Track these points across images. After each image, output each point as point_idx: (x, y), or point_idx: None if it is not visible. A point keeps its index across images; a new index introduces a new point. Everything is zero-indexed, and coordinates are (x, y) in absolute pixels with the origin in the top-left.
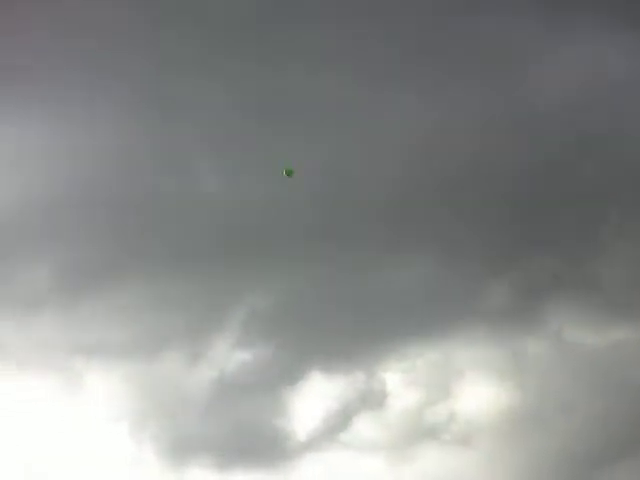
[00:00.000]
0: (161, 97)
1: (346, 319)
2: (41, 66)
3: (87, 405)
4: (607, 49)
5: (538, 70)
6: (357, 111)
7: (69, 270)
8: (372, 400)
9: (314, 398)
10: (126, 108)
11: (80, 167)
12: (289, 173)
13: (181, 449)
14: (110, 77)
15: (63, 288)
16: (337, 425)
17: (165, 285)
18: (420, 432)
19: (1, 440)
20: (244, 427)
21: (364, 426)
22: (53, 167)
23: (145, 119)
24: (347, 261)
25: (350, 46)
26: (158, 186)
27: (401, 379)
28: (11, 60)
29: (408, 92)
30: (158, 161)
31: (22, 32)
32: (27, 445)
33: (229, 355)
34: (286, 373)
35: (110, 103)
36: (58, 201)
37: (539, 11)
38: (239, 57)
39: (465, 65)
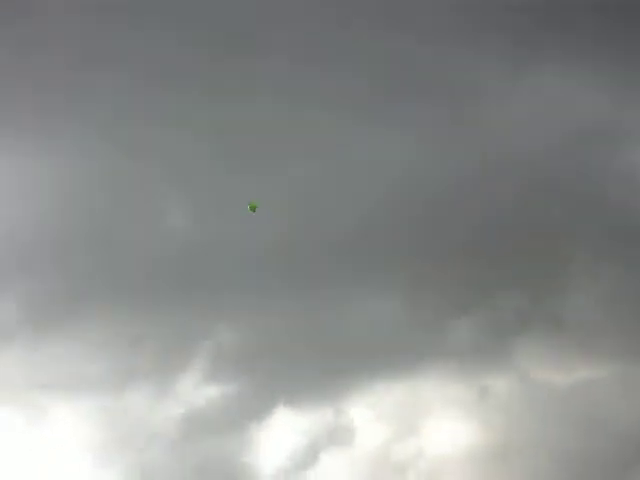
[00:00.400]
0: (126, 135)
1: (313, 354)
2: None
3: (52, 439)
4: (575, 91)
5: (507, 111)
6: (325, 147)
7: (36, 303)
8: (339, 436)
9: (281, 434)
10: (92, 142)
11: (44, 202)
12: (253, 208)
13: None
14: (76, 105)
15: (30, 321)
16: (304, 461)
17: (133, 319)
18: (388, 469)
19: None
20: (210, 463)
21: (331, 462)
22: (16, 203)
23: (112, 156)
24: (314, 296)
25: (318, 82)
26: (125, 221)
27: (369, 415)
28: None
29: (377, 128)
30: (125, 196)
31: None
32: None
33: (196, 390)
34: (253, 409)
35: (76, 135)
36: (26, 235)
37: (508, 51)
38: (205, 95)
39: (434, 103)
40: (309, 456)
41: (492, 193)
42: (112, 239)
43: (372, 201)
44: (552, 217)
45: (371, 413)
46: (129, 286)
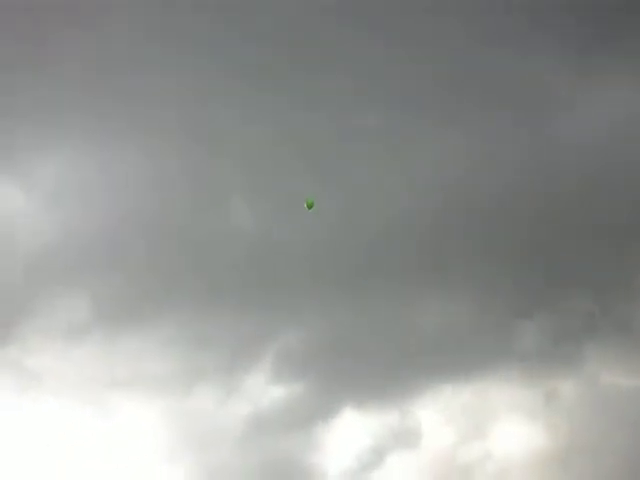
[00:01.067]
0: (200, 132)
1: (380, 356)
2: (77, 98)
3: (121, 436)
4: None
5: (569, 112)
6: (389, 150)
7: (107, 303)
8: (406, 438)
9: (347, 435)
10: (164, 143)
11: (118, 200)
12: (310, 205)
13: None
14: (147, 110)
15: (102, 320)
16: (370, 463)
17: (201, 320)
18: (454, 472)
19: (38, 470)
20: (277, 462)
21: (397, 465)
22: (91, 201)
23: (183, 154)
24: (381, 297)
25: (381, 86)
26: (195, 221)
27: (435, 417)
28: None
29: (438, 130)
30: (195, 197)
31: (55, 64)
32: (63, 476)
33: (263, 390)
34: (319, 409)
35: (146, 137)
36: (97, 234)
37: (571, 53)
38: (273, 92)
39: (499, 107)
40: (375, 458)
41: (558, 195)
42: (181, 239)
43: (440, 201)
44: (621, 221)
45: (437, 415)
46: (198, 287)
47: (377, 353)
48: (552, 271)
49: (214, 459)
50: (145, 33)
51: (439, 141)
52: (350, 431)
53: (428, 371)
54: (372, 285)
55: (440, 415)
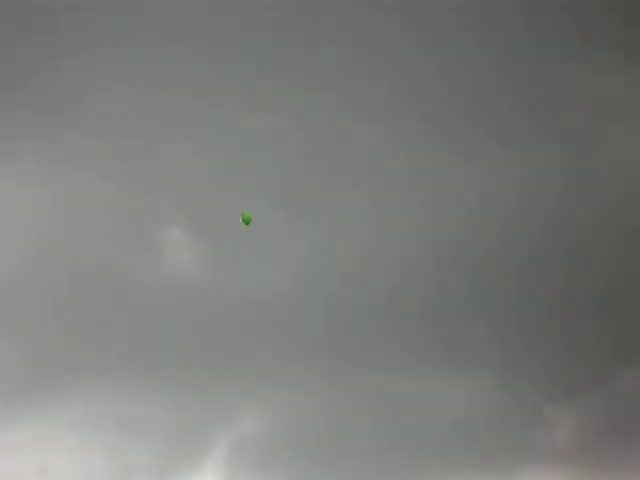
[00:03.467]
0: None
1: (375, 450)
2: None
3: None
4: None
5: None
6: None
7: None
8: None
9: None
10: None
11: (24, 237)
12: (247, 221)
13: None
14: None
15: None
16: None
17: (127, 397)
18: None
19: None
20: None
21: None
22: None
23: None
24: (378, 372)
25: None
26: (122, 264)
27: None
28: None
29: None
30: (121, 232)
31: None
32: None
33: None
34: None
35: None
36: (9, 282)
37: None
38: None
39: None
40: None
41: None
42: (105, 287)
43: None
44: None
45: None
46: (129, 356)
47: (371, 447)
48: (601, 341)
49: None
50: None
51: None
52: None
53: (436, 473)
54: (364, 356)
55: None
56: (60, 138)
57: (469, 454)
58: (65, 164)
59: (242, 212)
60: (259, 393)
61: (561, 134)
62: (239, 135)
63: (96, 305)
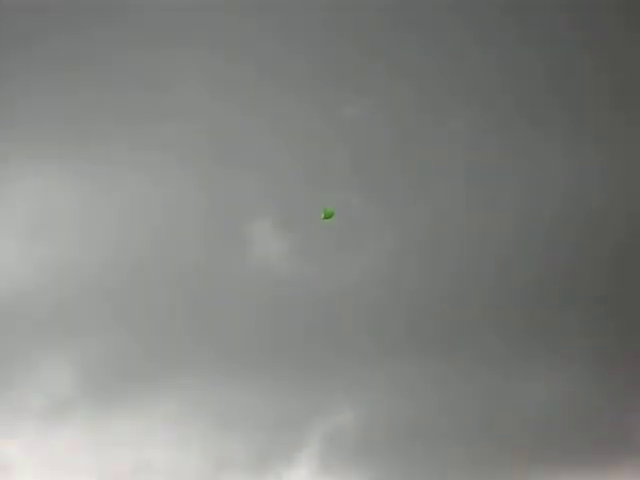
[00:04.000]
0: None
1: (458, 447)
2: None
3: None
4: None
5: None
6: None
7: (97, 372)
8: None
9: None
10: (164, 161)
11: (108, 237)
12: (329, 216)
13: None
14: (144, 126)
15: (89, 395)
16: None
17: (221, 394)
18: None
19: None
20: None
21: None
22: (74, 239)
23: (190, 175)
24: (468, 365)
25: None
26: (208, 261)
27: None
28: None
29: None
30: (207, 228)
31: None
32: None
33: None
34: None
35: (143, 155)
36: (83, 281)
37: None
38: None
39: None
40: None
41: None
42: (193, 285)
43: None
44: None
45: None
46: (216, 353)
47: (460, 440)
48: None
49: None
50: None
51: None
52: None
53: (527, 467)
54: (454, 349)
55: None
56: (141, 136)
57: (564, 448)
58: (147, 162)
59: (324, 208)
60: (353, 386)
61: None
62: (329, 126)
63: (189, 301)
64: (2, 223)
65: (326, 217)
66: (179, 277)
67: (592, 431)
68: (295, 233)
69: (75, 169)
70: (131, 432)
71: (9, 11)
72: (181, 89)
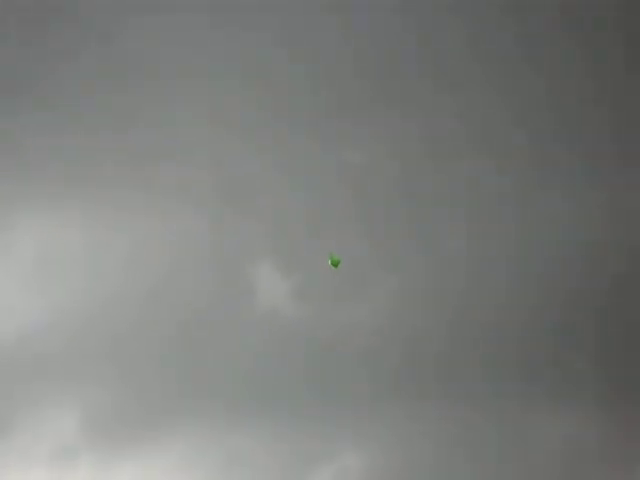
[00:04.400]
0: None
1: None
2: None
3: None
4: None
5: None
6: None
7: (103, 416)
8: None
9: None
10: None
11: (115, 278)
12: (335, 264)
13: None
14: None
15: (94, 441)
16: None
17: (226, 439)
18: None
19: None
20: None
21: None
22: (81, 280)
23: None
24: (459, 414)
25: None
26: (215, 305)
27: None
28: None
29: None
30: (216, 280)
31: None
32: None
33: None
34: None
35: (148, 195)
36: (90, 323)
37: None
38: None
39: None
40: None
41: None
42: (201, 330)
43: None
44: None
45: None
46: (222, 394)
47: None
48: None
49: None
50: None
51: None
52: None
53: None
54: (460, 389)
55: None
56: (144, 178)
57: None
58: (149, 204)
59: (331, 254)
60: (358, 427)
61: None
62: (331, 169)
63: (189, 347)
64: (6, 265)
65: (333, 264)
66: (180, 323)
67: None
68: (297, 276)
69: (79, 212)
70: (138, 478)
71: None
72: (184, 130)
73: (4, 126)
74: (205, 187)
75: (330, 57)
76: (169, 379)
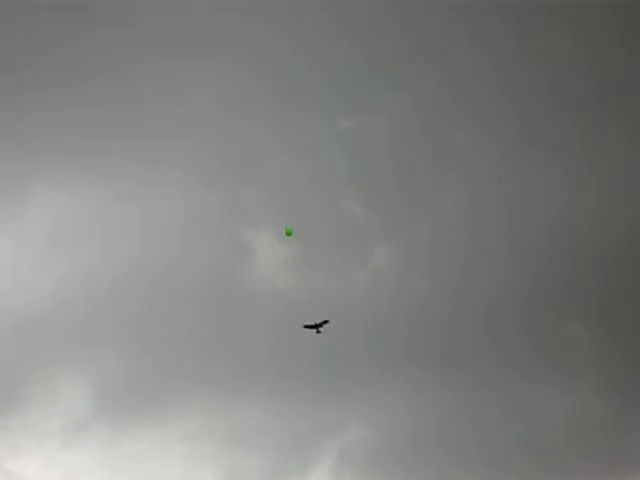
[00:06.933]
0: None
1: (458, 463)
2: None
3: None
4: None
5: None
6: None
7: (113, 390)
8: None
9: None
10: (177, 177)
11: (127, 253)
12: (289, 233)
13: None
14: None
15: (105, 414)
16: None
17: (233, 415)
18: None
19: None
20: None
21: None
22: (93, 256)
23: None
24: (461, 386)
25: None
26: (218, 275)
27: None
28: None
29: None
30: (224, 249)
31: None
32: None
33: None
34: None
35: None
36: (100, 297)
37: None
38: None
39: None
40: None
41: None
42: (212, 303)
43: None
44: None
45: None
46: (230, 366)
47: (460, 456)
48: None
49: None
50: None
51: None
52: None
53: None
54: (455, 367)
55: None
56: (154, 152)
57: (564, 468)
58: (158, 177)
59: (286, 227)
60: (364, 402)
61: None
62: (332, 138)
63: (202, 318)
64: (21, 239)
65: (287, 234)
66: (191, 294)
67: (596, 446)
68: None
69: (91, 186)
70: (146, 450)
71: (28, 25)
72: (195, 106)
73: (17, 102)
74: (211, 159)
75: (326, 41)
76: (180, 352)
